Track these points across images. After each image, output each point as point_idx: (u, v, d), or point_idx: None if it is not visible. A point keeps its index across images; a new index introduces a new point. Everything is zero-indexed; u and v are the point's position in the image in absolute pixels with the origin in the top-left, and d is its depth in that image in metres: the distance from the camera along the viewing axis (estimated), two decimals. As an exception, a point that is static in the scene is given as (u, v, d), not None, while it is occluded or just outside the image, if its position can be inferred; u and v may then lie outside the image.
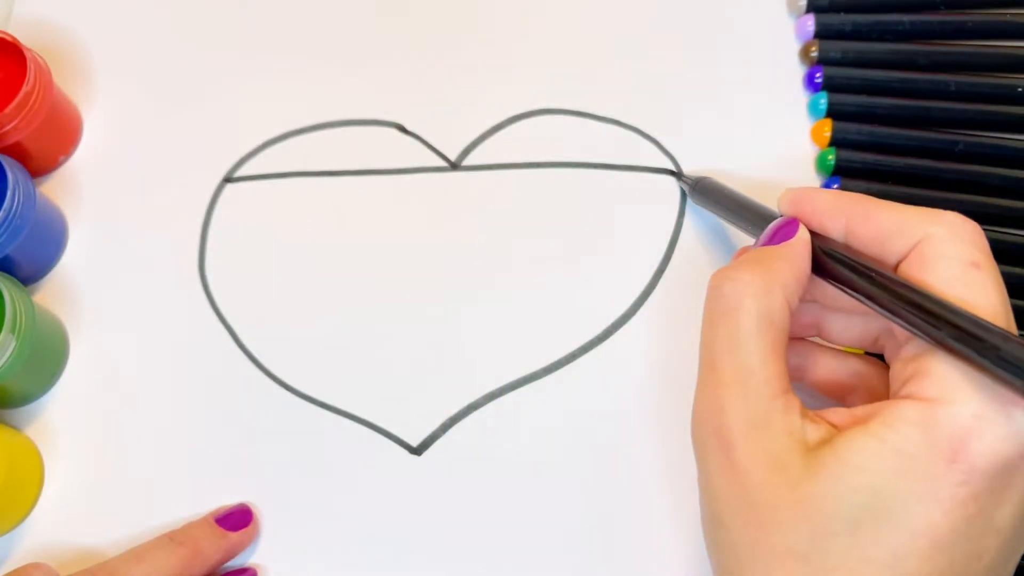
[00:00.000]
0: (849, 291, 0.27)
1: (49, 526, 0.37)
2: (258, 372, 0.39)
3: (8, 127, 0.39)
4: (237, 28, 0.46)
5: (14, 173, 0.38)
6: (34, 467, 0.37)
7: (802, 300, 0.29)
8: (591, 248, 0.40)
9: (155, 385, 0.39)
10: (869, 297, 0.26)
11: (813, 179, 0.40)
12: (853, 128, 0.40)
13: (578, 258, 0.40)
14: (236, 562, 0.36)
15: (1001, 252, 0.37)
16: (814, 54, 0.42)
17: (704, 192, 0.38)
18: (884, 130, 0.40)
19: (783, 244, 0.28)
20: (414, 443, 0.37)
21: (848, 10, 0.43)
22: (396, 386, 0.38)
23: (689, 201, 0.40)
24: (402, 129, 0.43)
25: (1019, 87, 0.40)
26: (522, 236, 0.40)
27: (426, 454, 0.37)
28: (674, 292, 0.39)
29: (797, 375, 0.31)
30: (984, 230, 0.38)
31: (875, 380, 0.30)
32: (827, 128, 0.40)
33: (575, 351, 0.38)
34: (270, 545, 0.36)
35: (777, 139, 0.41)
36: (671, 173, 0.41)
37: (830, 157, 0.40)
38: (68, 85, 0.44)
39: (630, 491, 0.36)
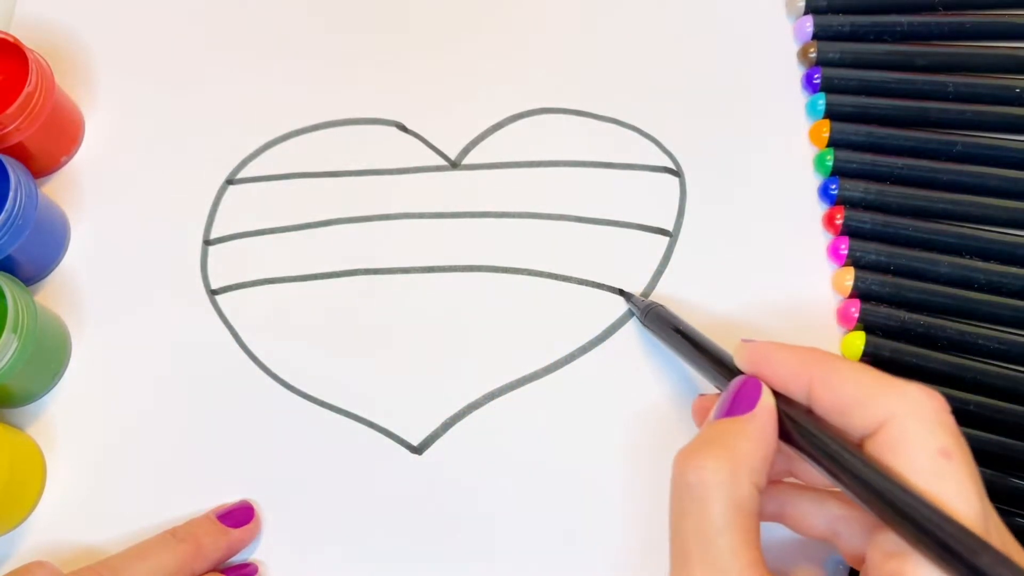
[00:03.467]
0: (817, 467, 0.26)
1: (51, 524, 0.37)
2: (259, 371, 0.39)
3: (10, 128, 0.39)
4: (238, 29, 0.46)
5: (16, 173, 0.38)
6: (36, 466, 0.37)
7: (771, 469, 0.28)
8: (591, 247, 0.40)
9: (156, 384, 0.39)
10: (838, 480, 0.25)
11: (812, 179, 0.41)
12: (851, 129, 0.40)
13: (578, 257, 0.40)
14: (238, 559, 0.36)
15: (1000, 253, 0.38)
16: (812, 55, 0.42)
17: (654, 320, 0.36)
18: (882, 131, 0.40)
19: (747, 418, 0.27)
20: (415, 442, 0.37)
21: (846, 11, 0.43)
22: (397, 385, 0.38)
23: (689, 201, 0.41)
24: (402, 128, 0.43)
25: (1017, 88, 0.41)
26: (522, 235, 0.40)
27: (427, 453, 0.37)
28: (674, 292, 0.39)
29: (777, 519, 0.30)
30: (983, 230, 0.38)
31: (856, 525, 0.29)
32: (825, 129, 0.41)
33: (575, 351, 0.38)
34: (272, 542, 0.36)
35: (775, 139, 0.41)
36: (669, 172, 0.41)
37: (828, 158, 0.40)
38: (70, 86, 0.44)
39: (630, 490, 0.36)
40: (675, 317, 0.35)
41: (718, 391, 0.30)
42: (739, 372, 0.29)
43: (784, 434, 0.27)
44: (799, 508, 0.30)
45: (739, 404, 0.27)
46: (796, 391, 0.27)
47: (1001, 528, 0.25)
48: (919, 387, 0.25)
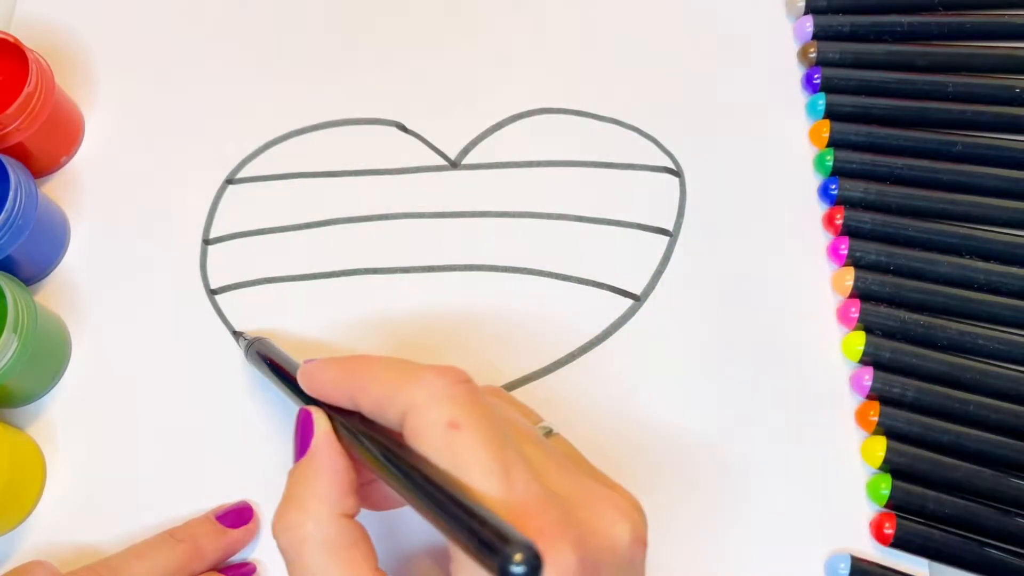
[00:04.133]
0: (374, 470, 0.26)
1: (50, 524, 0.37)
2: (260, 371, 0.39)
3: (10, 128, 0.39)
4: (238, 29, 0.46)
5: (16, 173, 0.38)
6: (36, 466, 0.37)
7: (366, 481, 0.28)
8: (591, 247, 0.40)
9: (156, 384, 0.39)
10: (384, 478, 0.26)
11: (812, 179, 0.41)
12: (851, 129, 0.40)
13: (578, 257, 0.40)
14: (237, 558, 0.36)
15: (1000, 253, 0.38)
16: (813, 55, 0.42)
17: (256, 356, 0.36)
18: (882, 131, 0.40)
19: (307, 459, 0.27)
20: (414, 442, 0.37)
21: (846, 11, 0.43)
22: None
23: (689, 201, 0.41)
24: (402, 128, 0.43)
25: (1017, 88, 0.41)
26: (521, 235, 0.40)
27: (426, 453, 0.37)
28: (674, 291, 0.39)
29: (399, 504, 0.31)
30: (983, 230, 0.38)
31: None
32: (825, 129, 0.41)
33: (575, 351, 0.38)
34: (271, 542, 0.36)
35: (776, 140, 0.41)
36: (669, 172, 0.41)
37: (828, 158, 0.40)
38: (70, 86, 0.44)
39: (631, 489, 0.36)
40: (273, 349, 0.35)
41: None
42: (311, 400, 0.29)
43: (347, 447, 0.27)
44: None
45: (302, 442, 0.28)
46: (346, 404, 0.28)
47: (540, 487, 0.24)
48: (431, 368, 0.26)
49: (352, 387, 0.27)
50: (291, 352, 0.39)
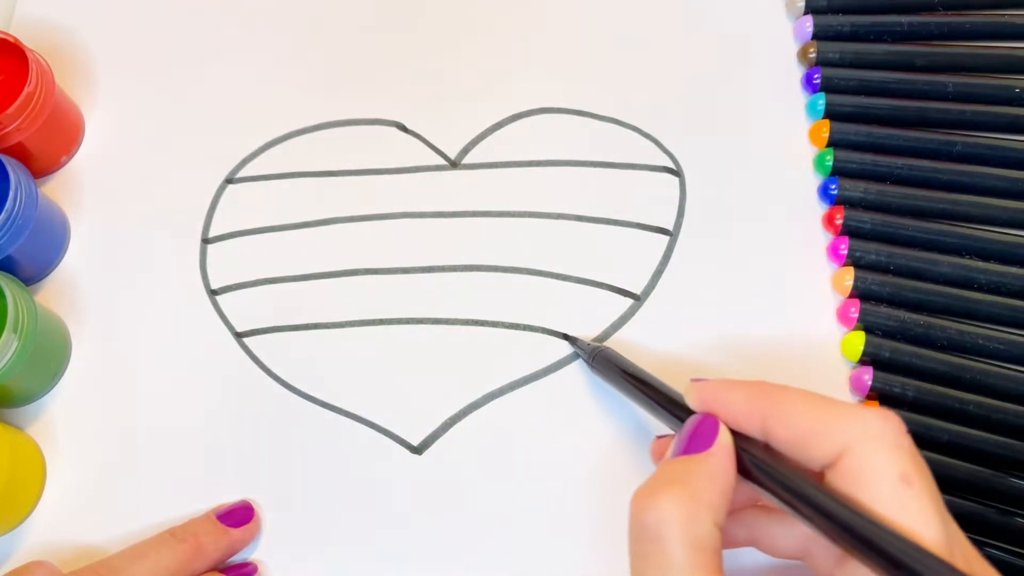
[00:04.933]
0: (778, 503, 0.26)
1: (51, 524, 0.37)
2: (260, 371, 0.39)
3: (10, 128, 0.39)
4: (238, 29, 0.46)
5: (16, 173, 0.38)
6: (36, 466, 0.37)
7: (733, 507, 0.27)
8: (591, 247, 0.40)
9: (156, 384, 0.39)
10: (800, 514, 0.25)
11: (812, 179, 0.41)
12: (851, 129, 0.40)
13: (578, 256, 0.40)
14: (238, 558, 0.36)
15: (1000, 253, 0.38)
16: (812, 55, 0.42)
17: (602, 364, 0.35)
18: (882, 131, 0.40)
19: (704, 456, 0.26)
20: (415, 442, 0.37)
21: (846, 11, 0.43)
22: (397, 385, 0.38)
23: (689, 201, 0.41)
24: (402, 128, 0.43)
25: (1017, 88, 0.41)
26: (521, 234, 0.40)
27: (427, 453, 0.37)
28: (674, 290, 0.39)
29: (749, 543, 0.30)
30: (983, 230, 0.38)
31: (827, 545, 0.27)
32: (825, 129, 0.41)
33: (574, 352, 0.38)
34: (272, 542, 0.36)
35: (775, 140, 0.41)
36: (669, 172, 0.41)
37: (828, 158, 0.40)
38: (70, 86, 0.44)
39: (631, 488, 0.36)
40: (623, 360, 0.35)
41: (674, 433, 0.30)
42: (692, 412, 0.29)
43: (743, 471, 0.27)
44: (769, 531, 0.29)
45: (696, 442, 0.27)
46: (751, 429, 0.27)
47: (966, 547, 0.25)
48: (874, 411, 0.25)
49: (766, 413, 0.26)
50: (302, 350, 0.39)
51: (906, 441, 0.25)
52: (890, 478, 0.24)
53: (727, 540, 0.29)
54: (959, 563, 0.23)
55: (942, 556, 0.23)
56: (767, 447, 0.27)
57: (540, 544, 0.35)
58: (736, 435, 0.27)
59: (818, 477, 0.25)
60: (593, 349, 0.36)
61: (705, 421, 0.27)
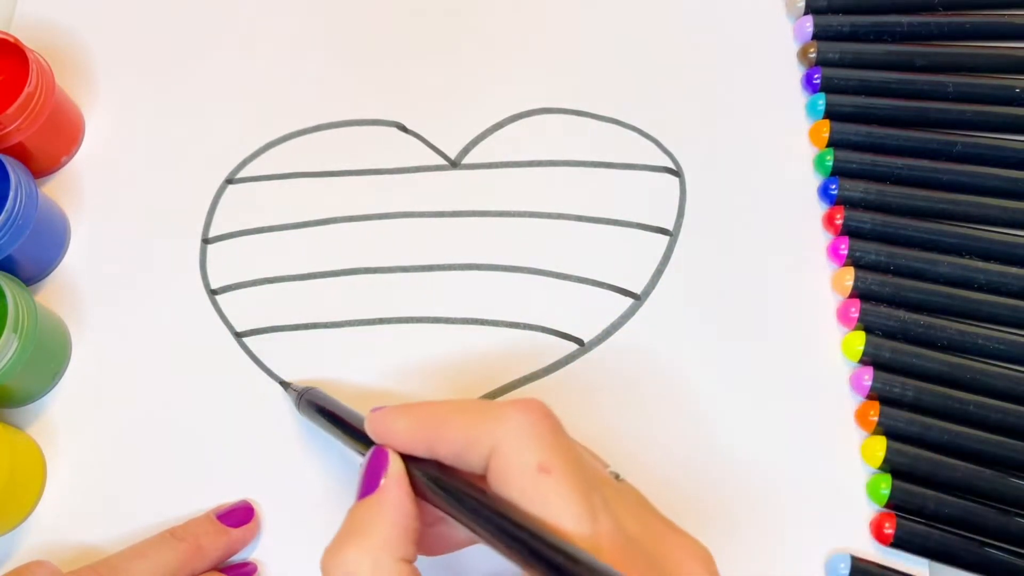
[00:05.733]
0: (452, 517, 0.26)
1: (51, 524, 0.37)
2: (260, 371, 0.39)
3: (10, 128, 0.39)
4: (239, 29, 0.46)
5: (16, 173, 0.38)
6: (36, 466, 0.37)
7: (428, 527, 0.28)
8: (591, 246, 0.40)
9: (157, 384, 0.39)
10: (466, 525, 0.25)
11: (812, 179, 0.41)
12: (851, 129, 0.40)
13: (578, 257, 0.40)
14: (238, 558, 0.36)
15: (1000, 253, 0.38)
16: (812, 55, 0.42)
17: (308, 405, 0.35)
18: (882, 131, 0.40)
19: (376, 498, 0.26)
20: (414, 442, 0.37)
21: (846, 11, 0.43)
22: (397, 385, 0.38)
23: (689, 201, 0.41)
24: (402, 128, 0.43)
25: (1017, 88, 0.41)
26: (522, 234, 0.40)
27: (426, 453, 0.37)
28: (674, 290, 0.39)
29: (473, 542, 0.29)
30: (983, 230, 0.38)
31: None
32: (825, 129, 0.41)
33: (575, 351, 0.38)
34: (272, 542, 0.36)
35: (776, 140, 0.42)
36: (669, 172, 0.41)
37: (828, 158, 0.40)
38: (70, 86, 0.44)
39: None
40: (326, 398, 0.34)
41: None
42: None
43: (421, 493, 0.27)
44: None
45: (370, 480, 0.27)
46: (421, 452, 0.27)
47: (633, 532, 0.24)
48: (516, 404, 0.25)
49: (429, 436, 0.26)
50: (302, 350, 0.39)
51: (545, 429, 0.25)
52: (530, 470, 0.24)
53: (453, 544, 0.29)
54: (611, 550, 0.23)
55: (583, 544, 0.23)
56: (439, 465, 0.26)
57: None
58: (411, 458, 0.27)
59: (480, 488, 0.25)
60: (299, 392, 0.36)
61: (375, 455, 0.27)
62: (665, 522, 0.27)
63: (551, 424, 0.25)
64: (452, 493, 0.26)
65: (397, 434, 0.27)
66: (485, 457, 0.25)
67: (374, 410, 0.28)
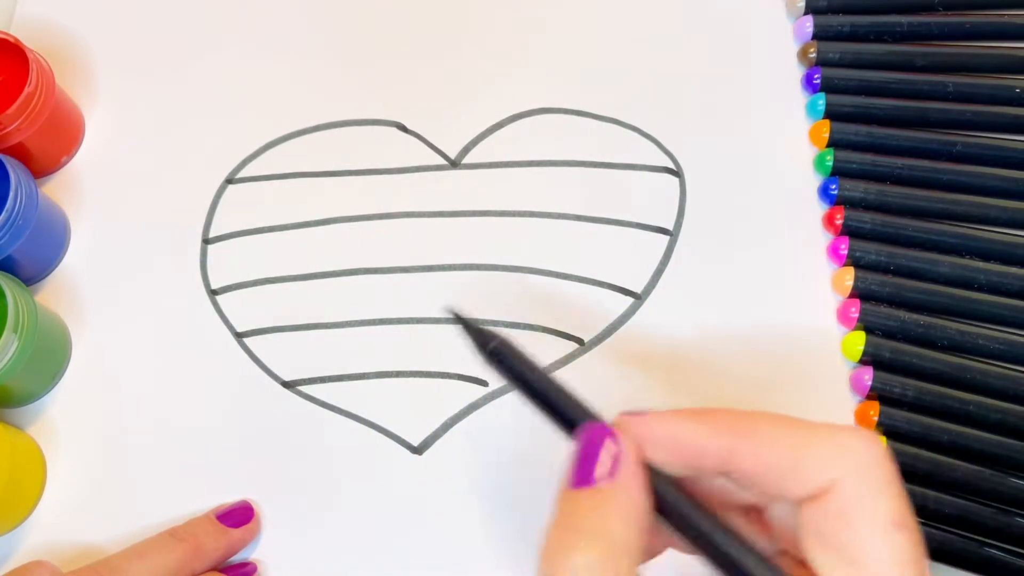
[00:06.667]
0: (691, 546, 0.23)
1: (51, 524, 0.37)
2: (260, 372, 0.39)
3: (10, 128, 0.39)
4: (239, 30, 0.46)
5: (16, 173, 0.38)
6: (36, 466, 0.37)
7: None
8: (591, 247, 0.40)
9: (157, 384, 0.39)
10: (715, 565, 0.22)
11: (812, 179, 0.41)
12: (851, 129, 0.40)
13: (578, 257, 0.40)
14: (238, 558, 0.36)
15: (1000, 253, 0.38)
16: (812, 55, 0.42)
17: (495, 360, 0.27)
18: (882, 131, 0.40)
19: (612, 490, 0.22)
20: (415, 442, 0.37)
21: (846, 11, 0.43)
22: (397, 385, 0.38)
23: (689, 201, 0.41)
24: (402, 128, 0.43)
25: (1017, 88, 0.41)
26: (521, 234, 0.40)
27: (427, 453, 0.37)
28: (674, 290, 0.39)
29: (668, 545, 0.26)
30: (983, 230, 0.38)
31: None
32: (825, 129, 0.41)
33: (575, 351, 0.38)
34: (272, 542, 0.36)
35: (776, 140, 0.41)
36: (669, 172, 0.41)
37: (828, 158, 0.40)
38: (70, 86, 0.44)
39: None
40: (521, 358, 0.28)
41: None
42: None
43: (659, 509, 0.23)
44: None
45: (591, 464, 0.23)
46: (706, 464, 0.23)
47: None
48: (855, 433, 0.22)
49: (733, 448, 0.22)
50: (302, 351, 0.39)
51: (893, 472, 0.22)
52: (882, 521, 0.21)
53: (647, 553, 0.26)
54: None
55: None
56: (678, 484, 0.23)
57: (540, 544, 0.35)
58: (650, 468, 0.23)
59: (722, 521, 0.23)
60: (491, 339, 0.27)
61: (599, 436, 0.23)
62: None
63: (893, 465, 0.22)
64: (698, 508, 0.23)
65: (684, 443, 0.23)
66: (812, 488, 0.22)
67: (629, 413, 0.24)
